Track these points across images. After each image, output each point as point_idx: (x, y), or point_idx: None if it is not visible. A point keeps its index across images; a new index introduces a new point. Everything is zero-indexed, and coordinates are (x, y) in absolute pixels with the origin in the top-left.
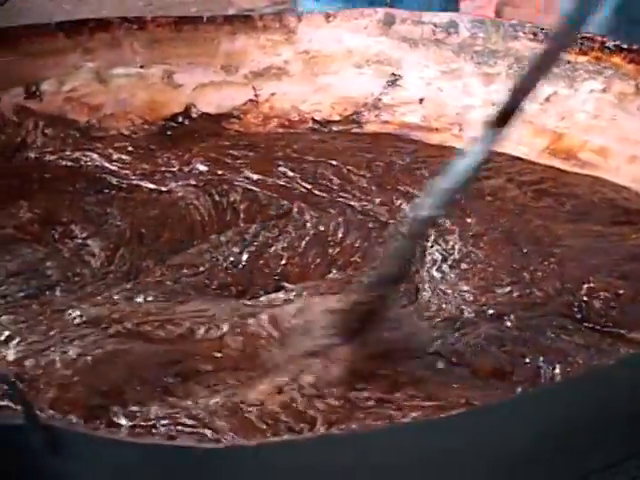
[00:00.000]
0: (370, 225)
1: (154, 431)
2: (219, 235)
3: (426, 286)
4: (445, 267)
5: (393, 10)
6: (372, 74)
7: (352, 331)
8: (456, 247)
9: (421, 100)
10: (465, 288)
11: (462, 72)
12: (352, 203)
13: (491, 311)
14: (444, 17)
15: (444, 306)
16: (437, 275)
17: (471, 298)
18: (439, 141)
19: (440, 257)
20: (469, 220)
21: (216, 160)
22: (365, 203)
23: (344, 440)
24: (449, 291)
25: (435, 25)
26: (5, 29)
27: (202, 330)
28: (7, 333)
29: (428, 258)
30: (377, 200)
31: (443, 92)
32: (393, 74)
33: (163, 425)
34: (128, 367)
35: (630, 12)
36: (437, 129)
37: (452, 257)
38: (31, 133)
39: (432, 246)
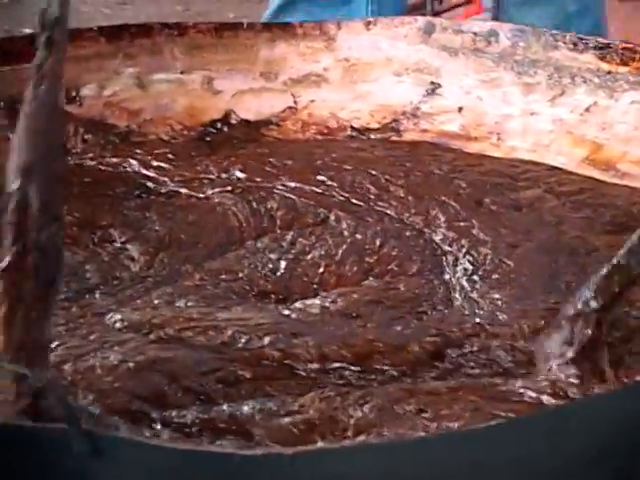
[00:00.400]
0: (407, 234)
1: (193, 437)
2: (256, 241)
3: (457, 295)
4: (476, 277)
5: (434, 19)
6: (411, 82)
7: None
8: (488, 257)
9: (460, 109)
10: (497, 296)
11: (502, 81)
12: (389, 212)
13: (524, 320)
14: (484, 26)
15: (476, 312)
16: (469, 284)
17: (504, 306)
18: (478, 150)
19: (472, 267)
20: (503, 231)
21: (254, 167)
22: (402, 212)
23: (381, 448)
24: (480, 299)
25: (475, 34)
26: None
27: (243, 339)
28: None
29: (459, 267)
30: (414, 209)
31: (482, 101)
32: (432, 82)
33: (202, 431)
34: (169, 373)
35: None
36: (476, 138)
37: (484, 267)
38: (71, 139)
39: (464, 256)
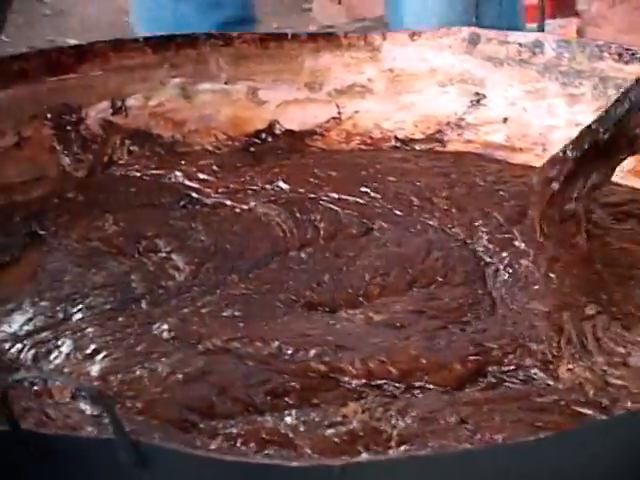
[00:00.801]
0: (451, 245)
1: (239, 447)
2: (300, 252)
3: (498, 305)
4: (516, 288)
5: (478, 29)
6: (456, 93)
7: None
8: (529, 269)
9: (505, 120)
10: (537, 308)
11: (546, 92)
12: (433, 223)
13: (569, 327)
14: (529, 37)
15: (516, 323)
16: (509, 295)
17: (543, 317)
18: (523, 161)
19: (512, 278)
20: (546, 242)
21: (298, 178)
22: (446, 223)
23: (428, 461)
24: (521, 310)
25: (520, 45)
26: (92, 44)
27: (290, 351)
28: (93, 347)
29: (500, 278)
30: (457, 221)
31: (527, 112)
32: (477, 93)
33: (248, 442)
34: (218, 385)
35: None
36: (521, 149)
37: (524, 278)
38: (117, 150)
39: (505, 267)
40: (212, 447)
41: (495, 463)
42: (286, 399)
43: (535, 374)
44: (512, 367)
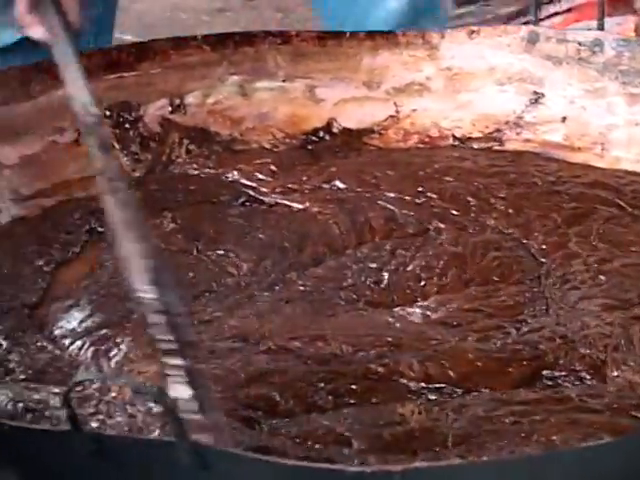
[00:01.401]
0: (508, 245)
1: (304, 446)
2: (356, 251)
3: (551, 304)
4: (567, 288)
5: (537, 28)
6: (514, 92)
7: None
8: (581, 269)
9: (564, 119)
10: (588, 307)
11: (606, 91)
12: (489, 223)
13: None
14: (589, 36)
15: (568, 323)
16: (561, 294)
17: (593, 317)
18: (582, 160)
19: (564, 278)
20: (600, 245)
21: (355, 177)
22: (503, 224)
23: (489, 467)
24: (572, 310)
25: (580, 44)
26: (151, 42)
27: (350, 351)
28: (151, 347)
29: (552, 279)
30: (515, 221)
31: (586, 111)
32: (535, 92)
33: (307, 440)
34: (279, 384)
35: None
36: (579, 148)
37: (576, 279)
38: (175, 149)
39: (557, 268)
40: (274, 446)
41: (557, 468)
42: (346, 399)
43: (586, 377)
44: (564, 372)
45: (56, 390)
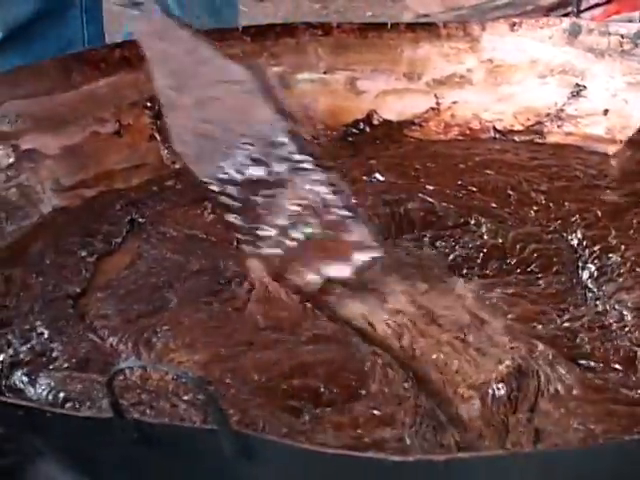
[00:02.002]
0: (549, 237)
1: (349, 434)
2: (395, 241)
3: (589, 294)
4: (605, 279)
5: (579, 20)
6: (556, 84)
7: None
8: (618, 262)
9: (605, 111)
10: (625, 297)
11: None
12: (530, 216)
13: None
14: (632, 28)
15: (607, 311)
16: (598, 286)
17: (631, 307)
18: None
19: (601, 270)
20: (639, 238)
21: (395, 169)
22: (543, 217)
23: (533, 457)
24: (609, 300)
25: (622, 36)
26: None
27: (395, 337)
28: (191, 335)
29: (588, 272)
30: (555, 214)
31: (628, 104)
32: (577, 85)
33: (352, 428)
34: (323, 374)
35: None
36: (621, 141)
37: (613, 271)
38: None
39: (595, 260)
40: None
41: (603, 461)
42: (390, 388)
43: (621, 369)
44: (601, 362)
45: (99, 378)
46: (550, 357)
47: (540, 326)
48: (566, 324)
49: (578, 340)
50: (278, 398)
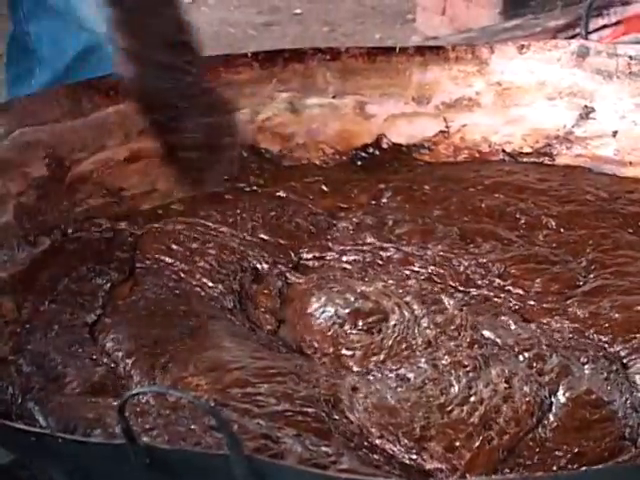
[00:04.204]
0: (556, 259)
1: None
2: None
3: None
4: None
5: (587, 42)
6: (565, 106)
7: None
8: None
9: (615, 133)
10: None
11: None
12: (538, 242)
13: None
14: None
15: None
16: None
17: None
18: (633, 175)
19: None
20: None
21: (405, 193)
22: (552, 241)
23: None
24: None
25: (631, 58)
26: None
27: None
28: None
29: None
30: (565, 239)
31: (637, 125)
32: (586, 106)
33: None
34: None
35: None
36: (631, 163)
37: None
38: None
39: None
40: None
41: None
42: None
43: None
44: None
45: (113, 403)
46: None
47: None
48: None
49: None
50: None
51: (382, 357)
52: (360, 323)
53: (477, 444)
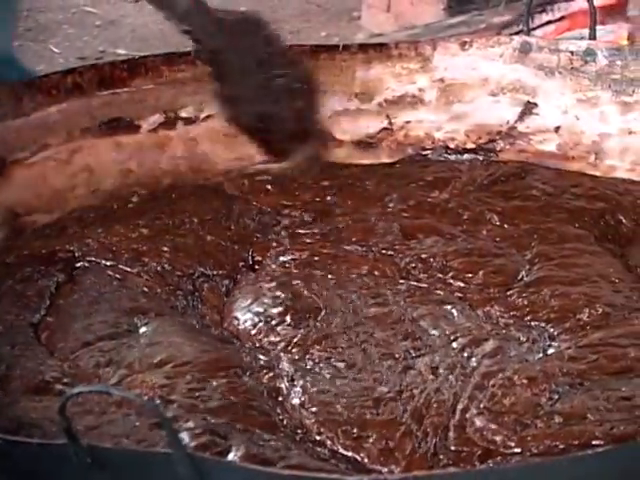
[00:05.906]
0: (499, 252)
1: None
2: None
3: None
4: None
5: (530, 38)
6: (507, 102)
7: None
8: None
9: (557, 128)
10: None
11: (599, 100)
12: (480, 236)
13: None
14: (581, 45)
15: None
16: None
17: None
18: (576, 169)
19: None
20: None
21: (347, 189)
22: (494, 236)
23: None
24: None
25: (572, 53)
26: (144, 57)
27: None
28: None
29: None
30: (508, 233)
31: (579, 120)
32: (528, 102)
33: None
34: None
35: None
36: (573, 157)
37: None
38: None
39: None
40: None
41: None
42: None
43: None
44: None
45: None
46: None
47: None
48: None
49: None
50: (241, 415)
51: (315, 349)
52: (288, 319)
53: (410, 448)
